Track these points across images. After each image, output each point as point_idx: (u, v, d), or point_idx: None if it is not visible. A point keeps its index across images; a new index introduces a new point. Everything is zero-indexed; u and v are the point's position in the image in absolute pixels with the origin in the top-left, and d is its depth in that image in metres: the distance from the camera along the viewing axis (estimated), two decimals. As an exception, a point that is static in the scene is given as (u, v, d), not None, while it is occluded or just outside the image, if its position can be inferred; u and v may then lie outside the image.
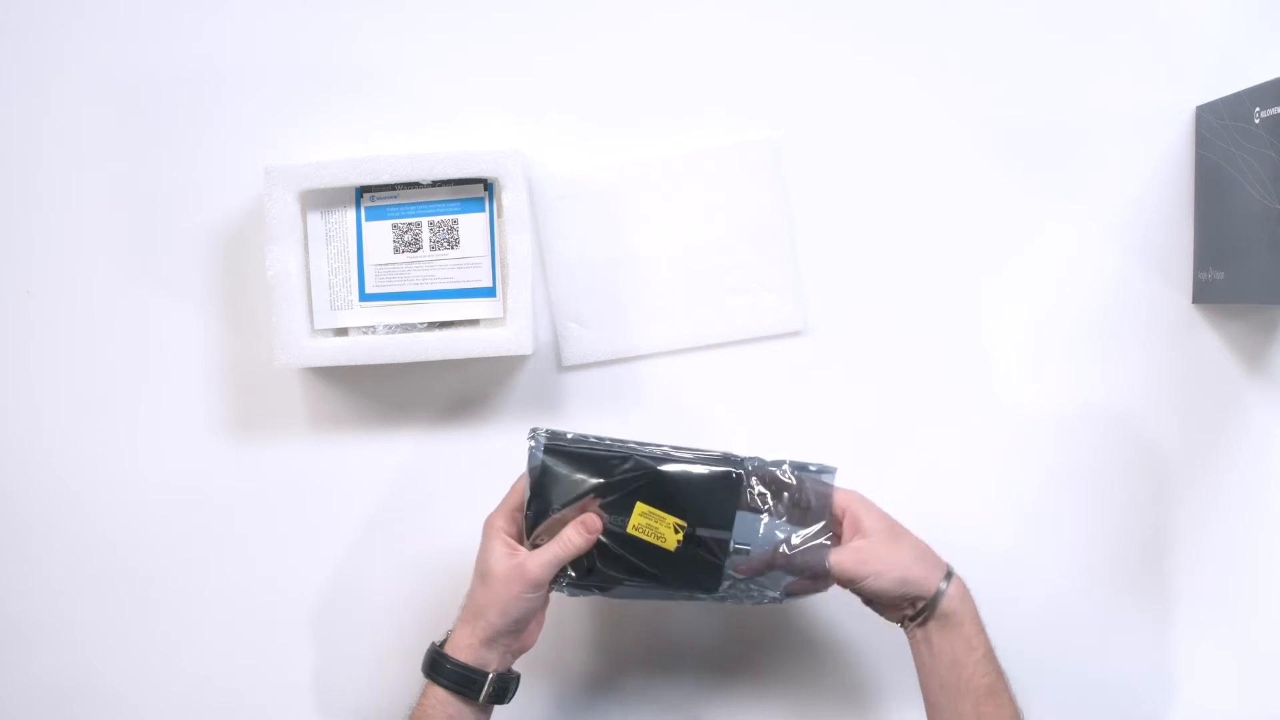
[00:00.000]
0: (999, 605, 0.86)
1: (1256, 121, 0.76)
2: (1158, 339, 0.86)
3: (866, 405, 0.86)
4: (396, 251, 0.83)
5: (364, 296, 0.84)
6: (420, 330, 0.84)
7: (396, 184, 0.82)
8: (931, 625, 0.71)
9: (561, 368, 0.87)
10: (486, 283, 0.83)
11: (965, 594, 0.72)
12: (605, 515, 0.72)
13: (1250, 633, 0.87)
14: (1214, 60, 0.84)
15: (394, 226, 0.83)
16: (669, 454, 0.74)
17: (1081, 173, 0.85)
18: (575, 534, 0.70)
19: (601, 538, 0.72)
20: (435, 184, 0.83)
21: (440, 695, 0.70)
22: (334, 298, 0.84)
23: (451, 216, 0.83)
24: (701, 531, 0.73)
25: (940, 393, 0.86)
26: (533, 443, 0.73)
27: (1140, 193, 0.85)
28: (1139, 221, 0.85)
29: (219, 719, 0.89)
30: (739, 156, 0.85)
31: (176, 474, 0.87)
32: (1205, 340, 0.86)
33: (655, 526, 0.72)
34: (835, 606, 0.86)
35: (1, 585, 0.88)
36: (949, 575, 0.72)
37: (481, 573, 0.71)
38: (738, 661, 0.88)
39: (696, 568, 0.73)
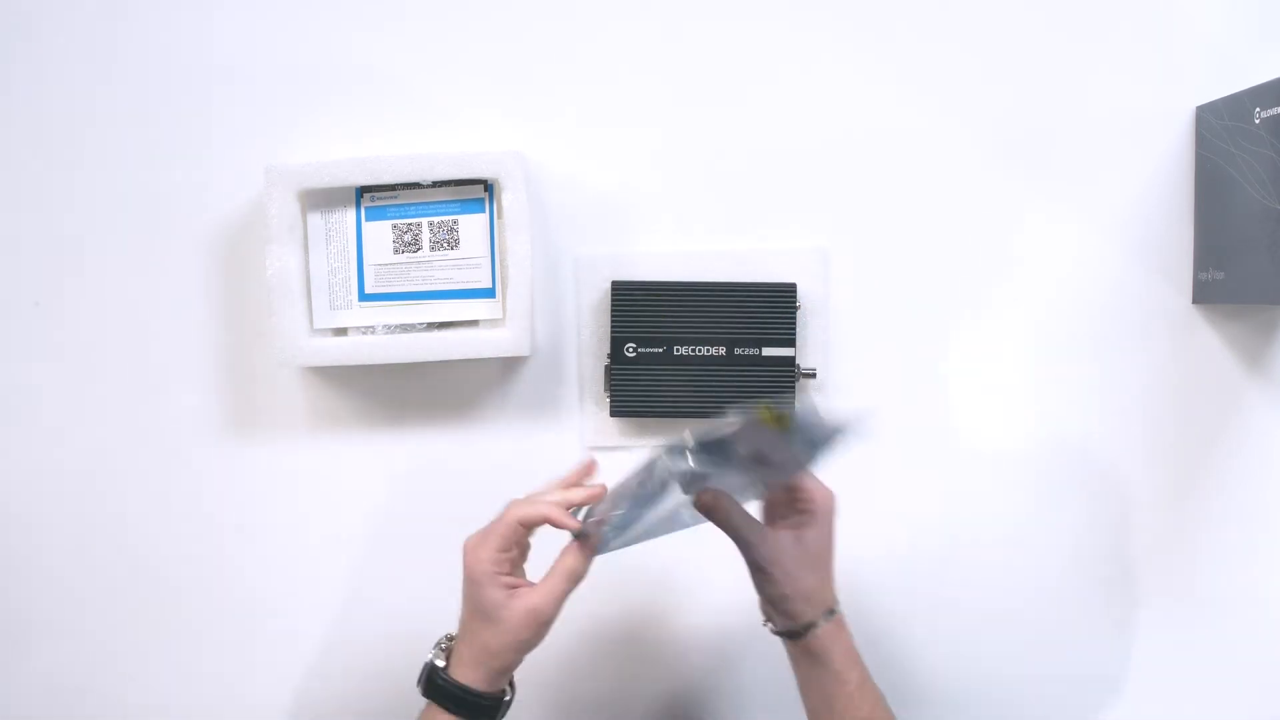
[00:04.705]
0: (991, 602, 0.87)
1: (1256, 121, 0.76)
2: (1158, 339, 0.86)
3: (865, 400, 0.86)
4: (396, 252, 0.83)
5: (364, 296, 0.84)
6: (419, 330, 0.84)
7: (397, 184, 0.83)
8: (798, 650, 0.69)
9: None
10: (486, 284, 0.83)
11: (838, 633, 0.69)
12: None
13: (1254, 632, 0.87)
14: (1214, 60, 0.83)
15: (394, 227, 0.83)
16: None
17: (1081, 173, 0.85)
18: (576, 561, 0.67)
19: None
20: (435, 184, 0.83)
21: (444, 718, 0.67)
22: (334, 298, 0.84)
23: (451, 217, 0.83)
24: (768, 351, 0.81)
25: (940, 391, 0.86)
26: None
27: (1140, 193, 0.85)
28: (1139, 221, 0.85)
29: (217, 717, 0.89)
30: (784, 260, 0.85)
31: (177, 473, 0.87)
32: (1205, 340, 0.86)
33: None
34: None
35: (3, 585, 0.88)
36: (830, 613, 0.69)
37: (488, 615, 0.66)
38: (730, 672, 0.88)
39: (769, 389, 0.81)
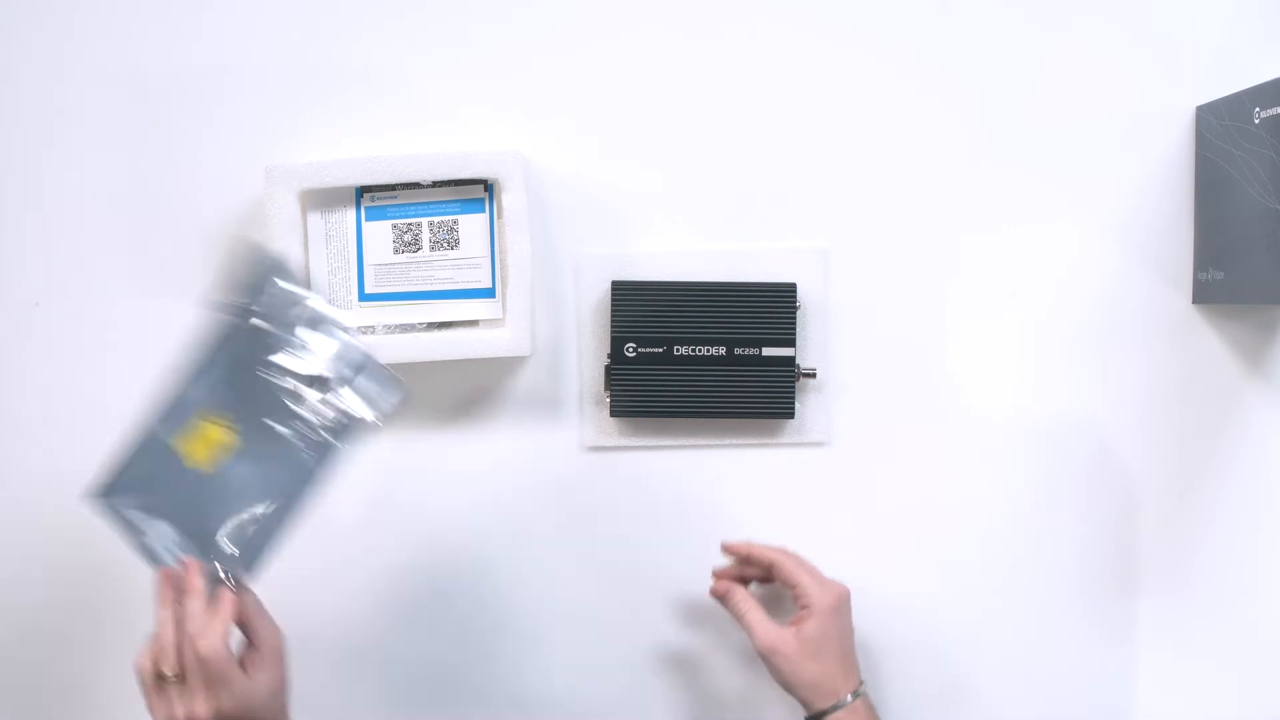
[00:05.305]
0: (992, 605, 0.87)
1: (1256, 121, 0.76)
2: (1158, 339, 0.86)
3: (865, 400, 0.86)
4: (396, 252, 0.83)
5: (363, 296, 0.84)
6: (419, 330, 0.84)
7: (397, 184, 0.83)
8: None
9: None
10: (486, 284, 0.83)
11: (858, 712, 0.73)
12: None
13: (1254, 631, 0.87)
14: (1214, 60, 0.83)
15: (394, 227, 0.83)
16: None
17: (1081, 173, 0.85)
18: (229, 600, 0.69)
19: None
20: (435, 184, 0.83)
21: None
22: (333, 298, 0.84)
23: (451, 217, 0.83)
24: (768, 351, 0.81)
25: (940, 391, 0.86)
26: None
27: (1140, 193, 0.85)
28: (1139, 221, 0.85)
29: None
30: (783, 260, 0.85)
31: (177, 474, 0.87)
32: (1205, 340, 0.86)
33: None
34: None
35: (3, 585, 0.88)
36: (857, 692, 0.74)
37: (246, 705, 0.66)
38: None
39: (769, 389, 0.82)
